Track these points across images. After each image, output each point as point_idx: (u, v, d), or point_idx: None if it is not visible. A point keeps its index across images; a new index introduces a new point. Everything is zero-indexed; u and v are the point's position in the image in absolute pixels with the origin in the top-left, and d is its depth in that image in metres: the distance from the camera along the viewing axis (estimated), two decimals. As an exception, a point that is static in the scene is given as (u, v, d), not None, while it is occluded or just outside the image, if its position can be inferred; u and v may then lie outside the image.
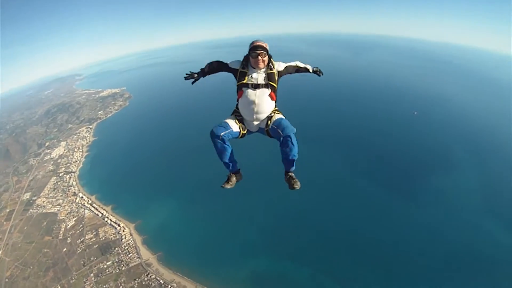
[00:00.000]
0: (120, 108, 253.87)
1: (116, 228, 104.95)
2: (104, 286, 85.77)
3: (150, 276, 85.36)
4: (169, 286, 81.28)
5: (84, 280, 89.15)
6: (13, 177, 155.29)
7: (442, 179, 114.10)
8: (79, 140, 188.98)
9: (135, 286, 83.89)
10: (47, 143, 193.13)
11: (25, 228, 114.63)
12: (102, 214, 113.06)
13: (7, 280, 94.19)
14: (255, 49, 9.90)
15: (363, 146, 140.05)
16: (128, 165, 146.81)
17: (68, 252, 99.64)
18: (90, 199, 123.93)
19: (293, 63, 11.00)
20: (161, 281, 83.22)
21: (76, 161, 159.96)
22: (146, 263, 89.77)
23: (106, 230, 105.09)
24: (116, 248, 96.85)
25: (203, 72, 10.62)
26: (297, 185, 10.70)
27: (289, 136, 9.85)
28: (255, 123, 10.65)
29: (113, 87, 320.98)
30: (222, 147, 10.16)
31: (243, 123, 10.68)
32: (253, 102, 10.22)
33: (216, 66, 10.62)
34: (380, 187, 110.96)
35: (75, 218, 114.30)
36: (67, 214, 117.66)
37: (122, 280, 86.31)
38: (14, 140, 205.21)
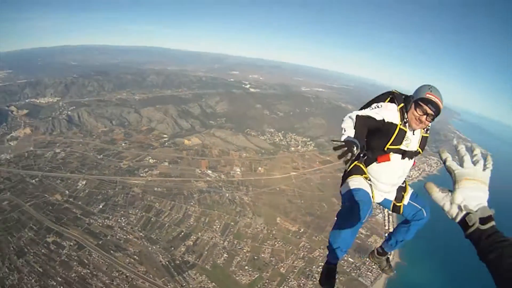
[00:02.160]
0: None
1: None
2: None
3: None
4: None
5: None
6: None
7: None
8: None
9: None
10: None
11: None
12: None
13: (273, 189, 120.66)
14: (429, 103, 6.05)
15: None
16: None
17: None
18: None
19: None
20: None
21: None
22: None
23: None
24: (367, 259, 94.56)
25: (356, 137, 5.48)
26: (393, 271, 9.49)
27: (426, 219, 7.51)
28: (385, 194, 7.28)
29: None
30: (360, 224, 6.56)
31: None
32: (400, 172, 7.00)
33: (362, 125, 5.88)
34: None
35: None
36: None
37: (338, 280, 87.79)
38: None
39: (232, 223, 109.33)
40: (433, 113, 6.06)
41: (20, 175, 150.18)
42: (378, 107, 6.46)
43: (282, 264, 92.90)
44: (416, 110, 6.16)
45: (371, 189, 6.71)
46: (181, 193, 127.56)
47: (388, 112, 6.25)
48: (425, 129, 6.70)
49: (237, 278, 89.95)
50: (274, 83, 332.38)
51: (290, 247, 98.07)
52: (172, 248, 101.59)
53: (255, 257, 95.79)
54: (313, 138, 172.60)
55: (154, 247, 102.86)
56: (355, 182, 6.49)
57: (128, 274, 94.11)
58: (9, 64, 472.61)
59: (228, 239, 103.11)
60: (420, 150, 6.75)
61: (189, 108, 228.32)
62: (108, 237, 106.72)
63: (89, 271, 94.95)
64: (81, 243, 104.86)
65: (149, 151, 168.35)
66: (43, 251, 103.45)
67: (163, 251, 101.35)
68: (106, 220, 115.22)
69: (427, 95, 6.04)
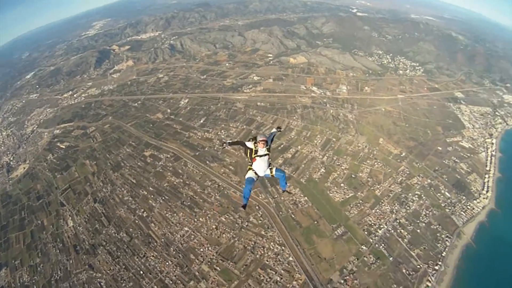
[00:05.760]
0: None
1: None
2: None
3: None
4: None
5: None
6: None
7: None
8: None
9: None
10: None
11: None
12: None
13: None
14: (261, 140, 17.59)
15: None
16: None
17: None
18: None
19: (271, 137, 19.35)
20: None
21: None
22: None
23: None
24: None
25: (230, 143, 19.46)
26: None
27: (284, 176, 19.36)
28: (262, 173, 18.51)
29: None
30: (250, 190, 18.30)
31: (256, 173, 18.56)
32: (263, 164, 18.17)
33: (238, 142, 18.98)
34: None
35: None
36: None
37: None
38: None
39: (333, 139, 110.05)
40: (264, 142, 17.64)
41: (122, 101, 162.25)
42: (249, 141, 18.03)
43: (378, 186, 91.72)
44: (258, 143, 17.60)
45: (256, 173, 18.31)
46: (284, 107, 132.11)
47: (248, 143, 17.95)
48: (267, 145, 17.85)
49: (331, 194, 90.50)
50: (381, 9, 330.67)
51: (389, 170, 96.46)
52: (270, 159, 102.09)
53: (352, 176, 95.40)
54: (422, 63, 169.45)
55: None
56: (248, 173, 18.51)
57: (220, 184, 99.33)
58: (108, 14, 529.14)
59: (327, 155, 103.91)
60: (268, 152, 18.15)
61: (295, 29, 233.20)
62: (206, 149, 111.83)
63: (182, 180, 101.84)
64: (178, 155, 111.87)
65: (253, 69, 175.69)
66: (139, 164, 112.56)
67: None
68: (205, 133, 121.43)
69: (259, 139, 17.50)
